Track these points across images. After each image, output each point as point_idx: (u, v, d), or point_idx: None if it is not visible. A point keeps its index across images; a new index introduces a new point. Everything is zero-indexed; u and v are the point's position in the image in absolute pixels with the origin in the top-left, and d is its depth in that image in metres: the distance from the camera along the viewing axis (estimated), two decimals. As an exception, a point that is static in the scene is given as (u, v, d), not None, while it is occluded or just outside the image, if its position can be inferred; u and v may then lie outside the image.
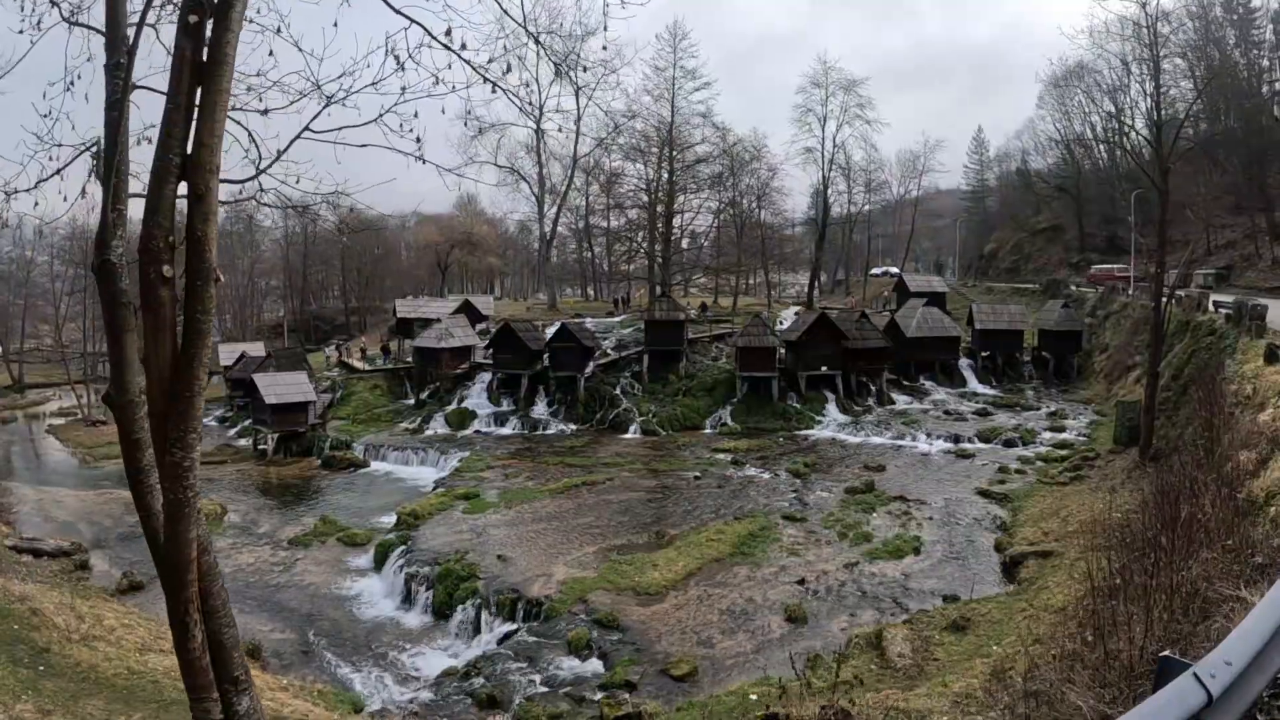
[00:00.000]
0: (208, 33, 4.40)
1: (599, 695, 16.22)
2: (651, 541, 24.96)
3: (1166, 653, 4.36)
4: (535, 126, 58.02)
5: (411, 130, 7.84)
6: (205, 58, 4.45)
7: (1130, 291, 44.54)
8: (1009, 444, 35.07)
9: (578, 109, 59.84)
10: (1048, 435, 35.62)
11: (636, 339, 48.11)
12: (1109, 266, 56.42)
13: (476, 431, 41.28)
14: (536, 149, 60.61)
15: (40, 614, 17.78)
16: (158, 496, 5.31)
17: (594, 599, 20.51)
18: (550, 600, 20.43)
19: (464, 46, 5.93)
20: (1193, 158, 34.15)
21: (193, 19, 4.29)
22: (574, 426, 41.56)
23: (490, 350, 45.63)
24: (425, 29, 5.79)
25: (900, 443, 36.83)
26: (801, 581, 21.99)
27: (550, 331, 46.67)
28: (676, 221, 59.90)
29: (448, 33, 5.49)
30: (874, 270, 78.74)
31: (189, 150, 4.58)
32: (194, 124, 4.52)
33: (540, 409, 43.35)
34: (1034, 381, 44.56)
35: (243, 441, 40.92)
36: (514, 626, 19.78)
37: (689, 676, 16.88)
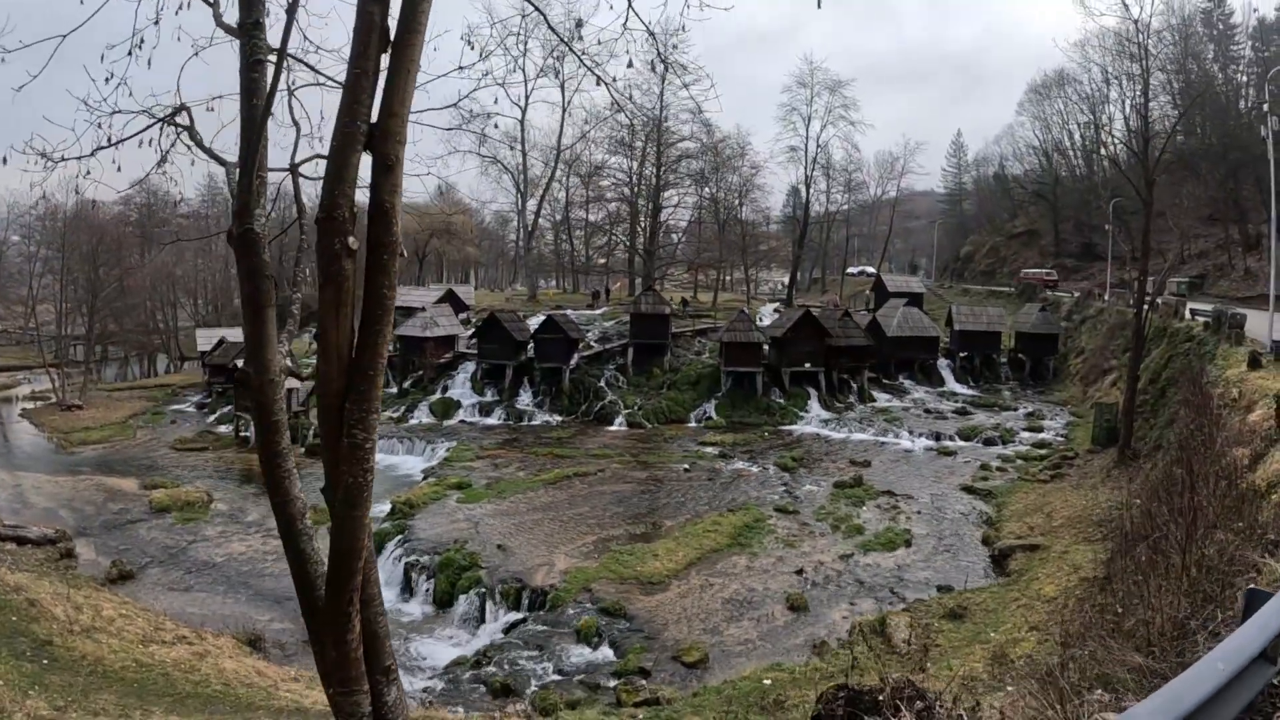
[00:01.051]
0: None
1: (613, 682, 16.41)
2: (648, 532, 25.19)
3: (1252, 586, 4.95)
4: (520, 118, 57.66)
5: (491, 119, 7.88)
6: (396, 24, 4.42)
7: (1106, 297, 45.98)
8: (989, 442, 35.99)
9: (563, 102, 59.68)
10: (1026, 435, 36.64)
11: (619, 331, 48.22)
12: (1037, 270, 63.01)
13: (461, 421, 41.05)
14: (520, 139, 60.28)
15: (38, 605, 17.29)
16: (295, 481, 5.26)
17: (598, 588, 20.67)
18: (555, 589, 20.54)
19: (581, 36, 6.02)
20: (1171, 169, 35.49)
21: None
22: (559, 418, 41.57)
23: (475, 340, 45.35)
24: (545, 17, 5.86)
25: (883, 439, 37.55)
26: (800, 572, 22.45)
27: (533, 322, 46.61)
28: (661, 216, 60.02)
29: (579, 24, 5.56)
30: (849, 270, 79.84)
31: (374, 119, 4.53)
32: (380, 92, 4.49)
33: (525, 399, 43.22)
34: (1010, 383, 45.73)
35: (223, 428, 40.10)
36: (520, 616, 19.85)
37: (700, 664, 17.16)
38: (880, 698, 5.49)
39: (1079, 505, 26.92)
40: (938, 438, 36.89)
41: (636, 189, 58.48)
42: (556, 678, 16.85)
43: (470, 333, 47.07)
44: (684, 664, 17.14)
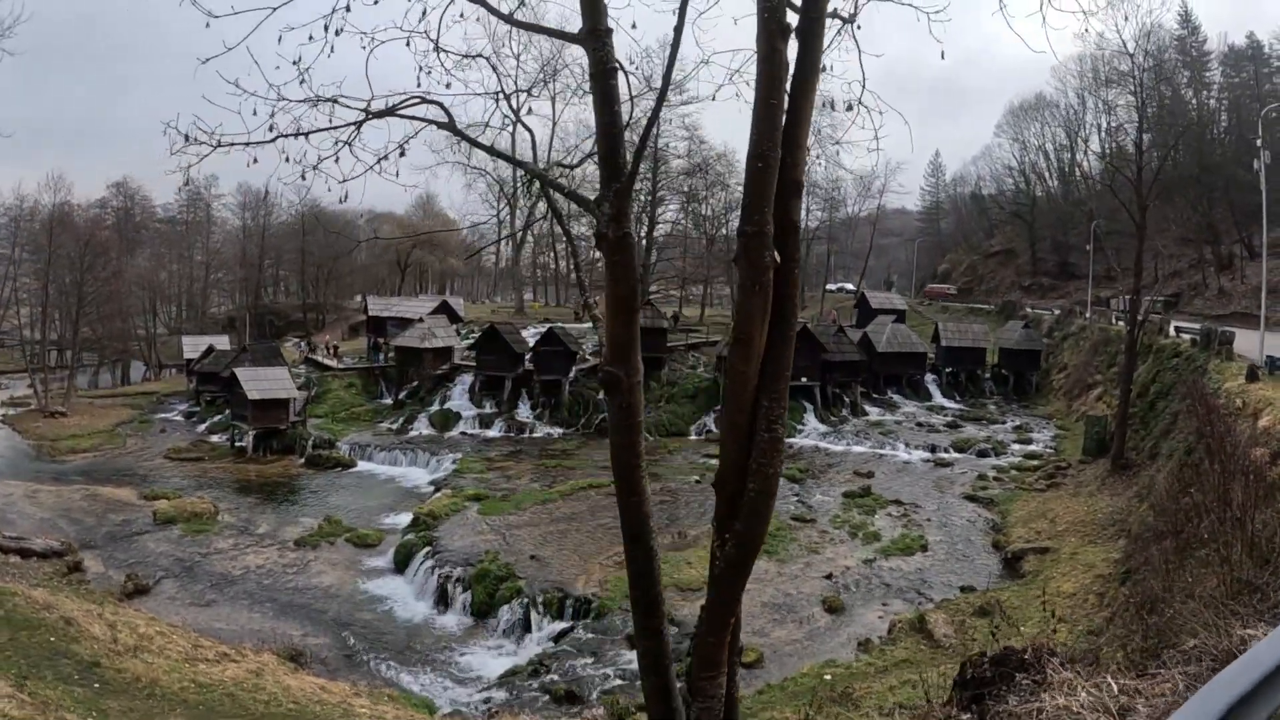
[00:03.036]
0: (793, 41, 4.80)
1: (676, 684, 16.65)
2: (675, 541, 25.50)
3: None
4: (512, 130, 57.80)
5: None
6: (794, 65, 4.82)
7: (1087, 315, 48.05)
8: (983, 454, 37.21)
9: (553, 116, 60.13)
10: (1017, 447, 38.00)
11: (613, 345, 48.57)
12: (942, 285, 74.80)
13: (462, 433, 40.80)
14: (512, 152, 60.36)
15: (74, 623, 16.65)
16: (647, 481, 5.53)
17: (640, 595, 20.92)
18: (598, 598, 20.72)
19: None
20: (1150, 192, 37.46)
21: (790, 21, 4.71)
22: (560, 430, 41.66)
23: (473, 352, 45.21)
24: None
25: (881, 451, 38.51)
26: (829, 576, 23.11)
27: (527, 334, 46.78)
28: (654, 231, 60.78)
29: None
30: (829, 286, 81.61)
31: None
32: (784, 122, 4.87)
33: (524, 411, 43.20)
34: (995, 397, 47.32)
35: (216, 438, 39.15)
36: (567, 624, 19.96)
37: (757, 663, 17.61)
38: (1025, 656, 6.09)
39: (1080, 511, 28.15)
40: (933, 450, 37.98)
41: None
42: (619, 682, 17.03)
43: (467, 344, 46.91)
44: (742, 664, 17.40)
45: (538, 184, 7.07)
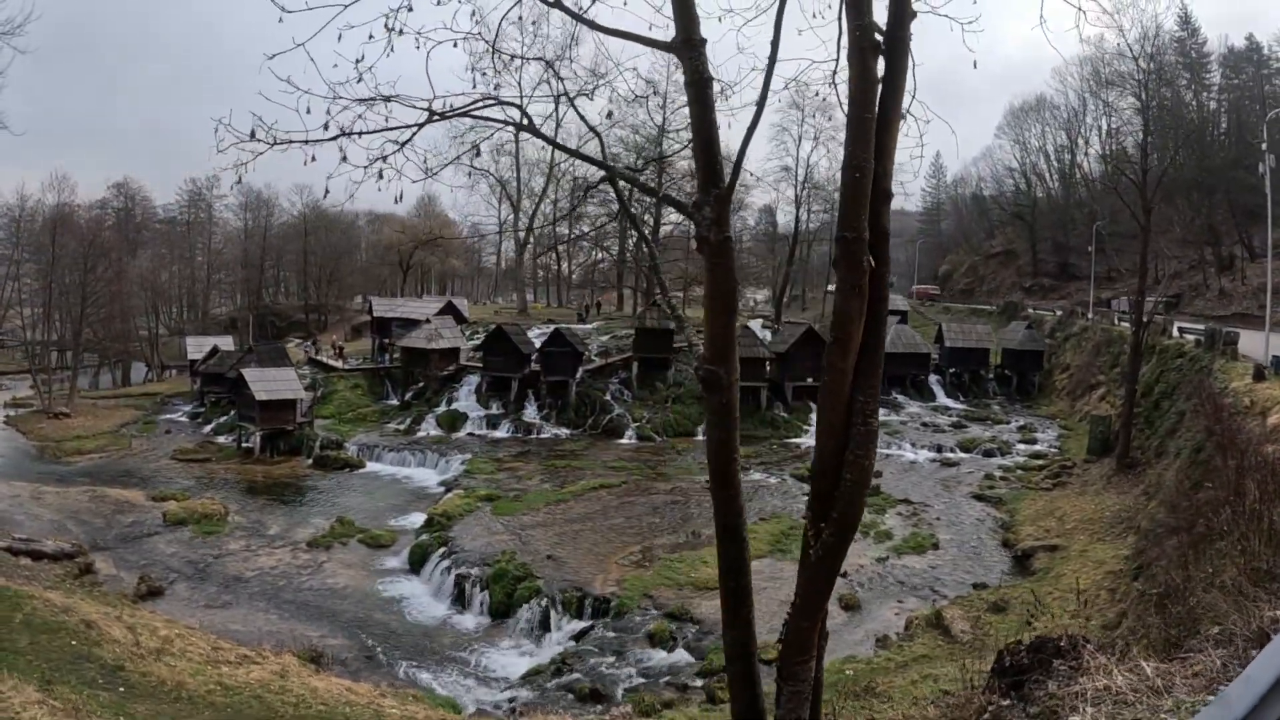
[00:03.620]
0: (881, 58, 4.95)
1: (699, 682, 16.78)
2: (690, 541, 25.58)
3: None
4: (515, 131, 57.87)
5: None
6: (882, 81, 4.97)
7: (1089, 315, 48.39)
8: (988, 454, 37.45)
9: (556, 116, 60.07)
10: (1022, 446, 38.26)
11: (617, 345, 48.74)
12: (926, 286, 78.89)
13: (470, 434, 40.83)
14: (515, 153, 60.46)
15: (94, 626, 16.59)
16: (740, 475, 5.67)
17: (658, 595, 21.02)
18: (617, 597, 20.80)
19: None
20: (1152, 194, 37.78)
21: (878, 37, 4.86)
22: (568, 431, 41.71)
23: (480, 353, 45.24)
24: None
25: (888, 451, 38.60)
26: (844, 574, 23.20)
27: (533, 335, 46.84)
28: (660, 232, 60.92)
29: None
30: (829, 287, 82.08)
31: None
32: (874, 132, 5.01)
33: (531, 412, 43.23)
34: (998, 397, 47.57)
35: (222, 439, 39.08)
36: (587, 624, 20.03)
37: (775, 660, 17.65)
38: (1061, 644, 6.27)
39: (1088, 509, 28.38)
40: (939, 449, 38.23)
41: (630, 201, 59.11)
42: (642, 680, 17.13)
43: (473, 345, 46.93)
44: (764, 661, 17.39)
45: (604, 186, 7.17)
